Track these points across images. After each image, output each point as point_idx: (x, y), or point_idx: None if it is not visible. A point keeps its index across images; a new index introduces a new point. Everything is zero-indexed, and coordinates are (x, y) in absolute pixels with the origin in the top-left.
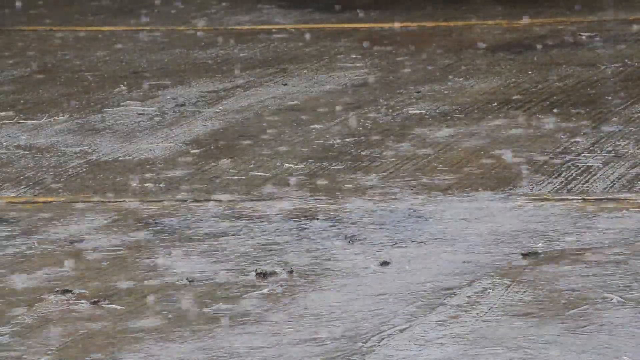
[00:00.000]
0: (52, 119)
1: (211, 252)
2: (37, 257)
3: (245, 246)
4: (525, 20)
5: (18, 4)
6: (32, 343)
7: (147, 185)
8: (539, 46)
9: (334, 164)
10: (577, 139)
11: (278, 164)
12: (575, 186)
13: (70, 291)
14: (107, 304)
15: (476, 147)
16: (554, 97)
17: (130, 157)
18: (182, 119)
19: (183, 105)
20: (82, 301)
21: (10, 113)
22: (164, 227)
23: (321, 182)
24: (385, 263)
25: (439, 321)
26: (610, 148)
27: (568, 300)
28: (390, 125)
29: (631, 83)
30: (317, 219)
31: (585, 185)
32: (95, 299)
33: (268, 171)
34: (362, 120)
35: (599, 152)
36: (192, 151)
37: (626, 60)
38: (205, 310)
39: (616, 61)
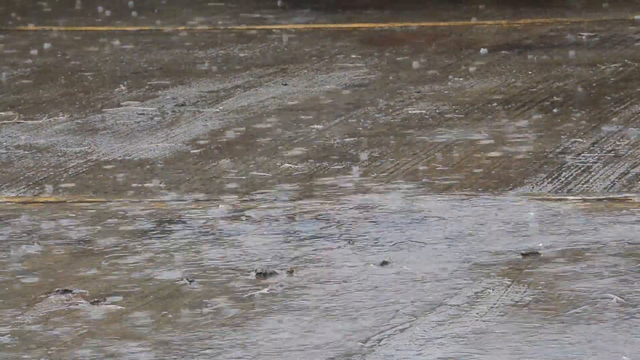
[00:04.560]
0: (52, 119)
1: (211, 252)
2: (36, 256)
3: (246, 246)
4: (525, 20)
5: (19, 3)
6: (32, 343)
7: (147, 185)
8: (539, 46)
9: (334, 164)
10: (577, 139)
11: (278, 164)
12: (575, 186)
13: (70, 291)
14: (107, 304)
15: (476, 147)
16: (554, 97)
17: (130, 157)
18: (182, 119)
19: (183, 105)
20: (82, 301)
21: (10, 113)
22: (163, 228)
23: (321, 182)
24: (385, 263)
25: (439, 321)
26: (610, 148)
27: (568, 300)
28: (390, 125)
29: (631, 83)
30: (318, 219)
31: (585, 185)
32: (96, 299)
33: (268, 171)
34: (362, 120)
35: (599, 152)
36: (192, 151)
37: (626, 60)
38: (205, 310)
39: (616, 61)
